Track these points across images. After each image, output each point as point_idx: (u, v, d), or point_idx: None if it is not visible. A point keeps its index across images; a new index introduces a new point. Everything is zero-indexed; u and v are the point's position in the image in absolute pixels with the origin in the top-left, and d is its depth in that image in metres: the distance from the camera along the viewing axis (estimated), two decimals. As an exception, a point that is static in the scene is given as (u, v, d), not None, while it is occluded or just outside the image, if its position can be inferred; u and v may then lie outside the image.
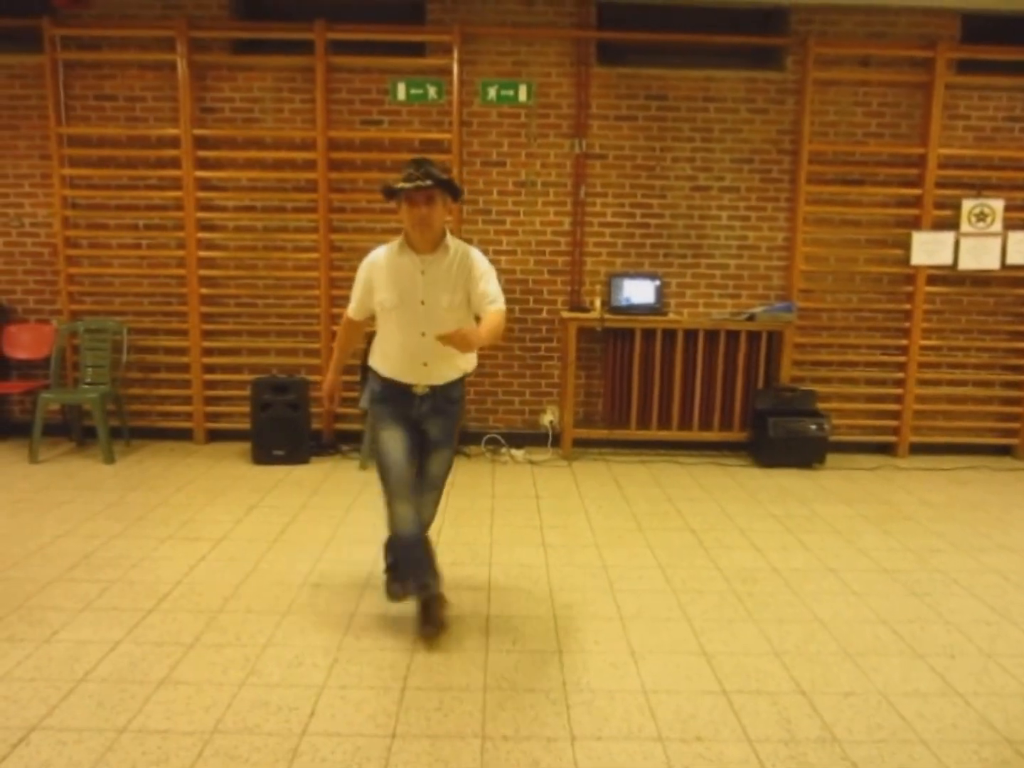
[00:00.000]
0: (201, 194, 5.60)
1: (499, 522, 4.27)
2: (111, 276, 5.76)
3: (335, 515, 4.34)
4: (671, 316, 5.69)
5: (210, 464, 5.33)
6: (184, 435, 5.86)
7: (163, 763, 2.19)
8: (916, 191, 5.66)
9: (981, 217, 5.66)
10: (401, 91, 5.57)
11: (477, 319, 2.93)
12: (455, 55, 5.44)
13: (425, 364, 2.91)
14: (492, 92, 5.58)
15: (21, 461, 5.25)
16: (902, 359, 5.85)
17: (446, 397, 3.01)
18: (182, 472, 5.13)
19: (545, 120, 5.65)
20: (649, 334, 5.59)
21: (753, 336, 5.63)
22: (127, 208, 5.68)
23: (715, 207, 5.78)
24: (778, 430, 5.45)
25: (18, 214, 5.72)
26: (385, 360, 2.99)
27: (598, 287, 5.76)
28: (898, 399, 5.90)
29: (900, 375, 5.87)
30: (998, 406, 5.97)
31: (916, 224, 5.69)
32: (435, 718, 2.43)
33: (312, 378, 5.62)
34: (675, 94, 5.65)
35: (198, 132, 5.54)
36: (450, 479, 3.17)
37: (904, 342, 5.83)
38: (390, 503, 2.92)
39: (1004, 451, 5.98)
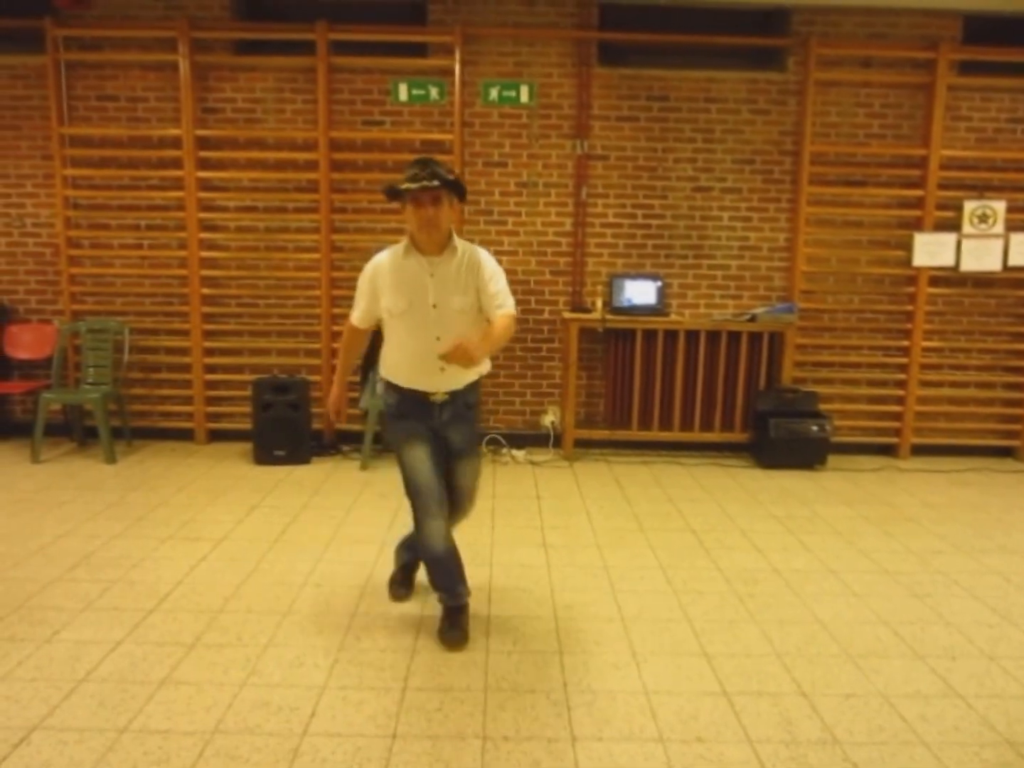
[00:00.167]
0: (203, 194, 5.61)
1: (500, 522, 4.26)
2: (113, 276, 5.76)
3: (336, 515, 4.34)
4: (672, 317, 5.69)
5: (211, 464, 5.34)
6: (185, 435, 5.86)
7: (164, 763, 2.19)
8: (918, 192, 5.65)
9: (983, 218, 5.65)
10: (403, 92, 5.57)
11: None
12: (457, 56, 5.44)
13: (443, 369, 2.77)
14: (494, 93, 5.58)
15: (23, 461, 5.26)
16: (904, 360, 5.84)
17: (465, 403, 2.92)
18: (183, 472, 5.13)
19: (547, 121, 5.65)
20: (650, 335, 5.58)
21: (754, 337, 5.62)
22: (129, 208, 5.69)
23: (716, 208, 5.78)
24: (779, 431, 5.45)
25: (20, 214, 5.72)
26: (399, 369, 2.88)
27: (599, 288, 5.76)
28: (900, 400, 5.89)
29: (902, 376, 5.86)
30: (1000, 408, 5.96)
31: (918, 225, 5.68)
32: (436, 719, 2.42)
33: (313, 378, 5.63)
34: (677, 95, 5.65)
35: (200, 132, 5.55)
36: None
37: (906, 343, 5.82)
38: (420, 521, 2.86)
39: (1006, 452, 5.98)
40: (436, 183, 2.64)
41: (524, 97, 5.59)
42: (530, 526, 4.22)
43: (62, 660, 2.72)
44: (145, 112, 5.60)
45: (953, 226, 5.68)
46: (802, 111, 5.60)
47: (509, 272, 2.97)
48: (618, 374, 5.69)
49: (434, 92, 5.56)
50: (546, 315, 5.77)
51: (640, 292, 5.68)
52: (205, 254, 5.68)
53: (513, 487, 4.95)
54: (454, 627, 2.91)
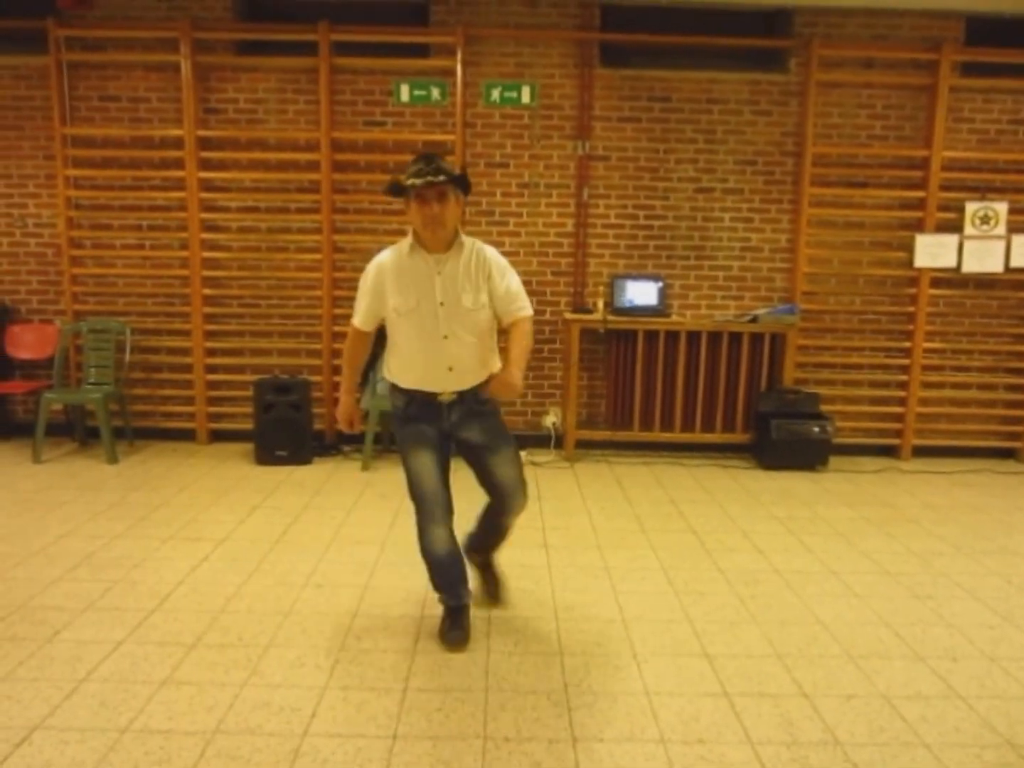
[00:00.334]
0: (204, 195, 5.61)
1: (501, 523, 4.26)
2: (115, 276, 5.77)
3: (337, 516, 4.34)
4: (674, 318, 5.69)
5: (213, 464, 5.34)
6: (187, 435, 5.87)
7: (165, 763, 2.19)
8: (920, 194, 5.65)
9: (985, 220, 5.65)
10: (404, 92, 5.58)
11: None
12: (458, 57, 5.44)
13: (450, 369, 2.73)
14: (495, 94, 5.58)
15: (24, 461, 5.26)
16: (905, 362, 5.84)
17: (476, 399, 2.82)
18: (185, 472, 5.13)
19: (548, 122, 5.65)
20: (652, 336, 5.58)
21: (756, 338, 5.62)
22: (131, 209, 5.70)
23: (718, 209, 5.78)
24: (781, 432, 5.45)
25: (22, 214, 5.73)
26: (405, 370, 2.81)
27: (601, 288, 5.76)
28: (901, 402, 5.89)
29: (903, 378, 5.86)
30: (1001, 409, 5.96)
31: (920, 227, 5.68)
32: (436, 719, 2.42)
33: (314, 379, 5.64)
34: (678, 96, 5.65)
35: (202, 133, 5.55)
36: (452, 480, 2.96)
37: (907, 345, 5.82)
38: (423, 527, 2.83)
39: (1007, 454, 5.97)
40: (441, 178, 2.57)
41: (526, 98, 5.59)
42: (531, 527, 4.22)
43: (63, 660, 2.72)
44: (147, 112, 5.61)
45: (955, 227, 5.67)
46: (804, 112, 5.60)
47: (510, 273, 2.96)
48: (619, 375, 5.69)
49: (436, 93, 5.57)
50: (547, 316, 5.78)
51: (641, 293, 5.68)
52: (207, 254, 5.68)
53: (514, 488, 4.94)
54: (455, 627, 2.91)
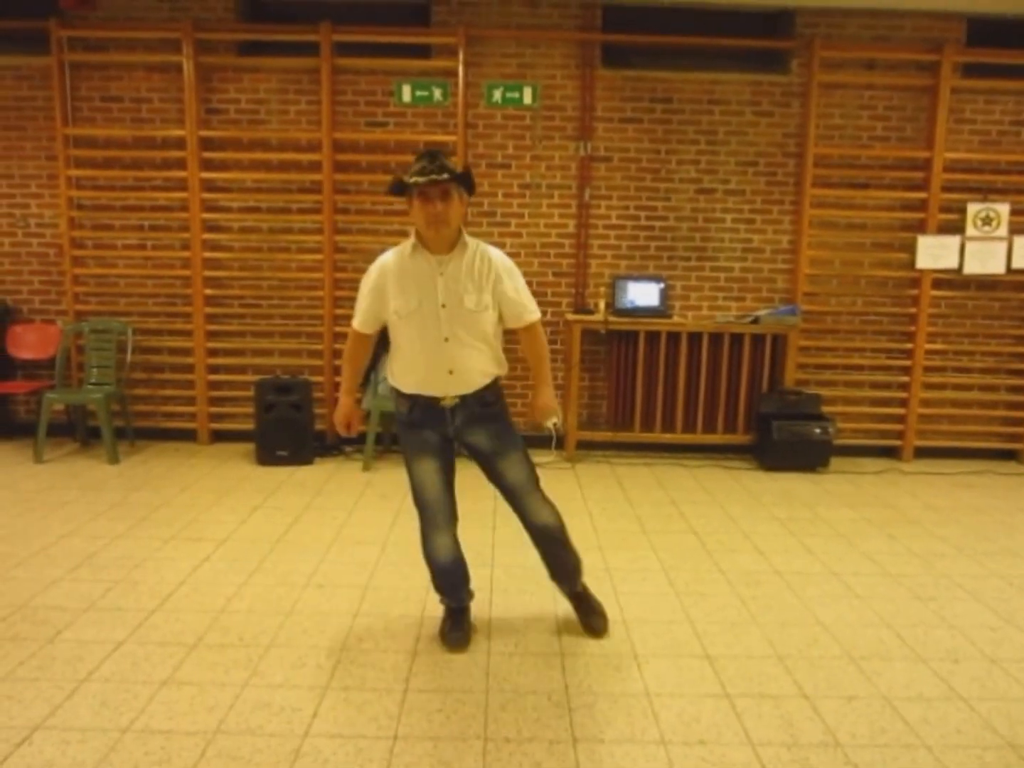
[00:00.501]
0: (206, 195, 5.62)
1: (502, 523, 4.26)
2: (116, 277, 5.78)
3: (338, 516, 4.34)
4: (675, 319, 5.68)
5: (214, 465, 5.34)
6: (188, 436, 5.87)
7: (166, 763, 2.19)
8: (921, 195, 5.65)
9: (987, 221, 5.65)
10: (406, 93, 5.58)
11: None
12: (460, 57, 5.45)
13: (450, 372, 2.67)
14: (497, 94, 5.58)
15: (26, 461, 5.27)
16: (907, 363, 5.84)
17: (479, 401, 2.75)
18: (186, 472, 5.14)
19: (550, 122, 5.65)
20: (653, 336, 5.58)
21: (757, 339, 5.62)
22: (132, 209, 5.70)
23: (720, 210, 5.77)
24: (782, 433, 5.44)
25: (24, 215, 5.74)
26: (406, 373, 2.75)
27: (602, 289, 5.76)
28: (903, 403, 5.89)
29: (905, 379, 5.85)
30: (1003, 410, 5.95)
31: (921, 228, 5.68)
32: (437, 720, 2.42)
33: (316, 379, 5.64)
34: (680, 97, 5.65)
35: (204, 133, 5.56)
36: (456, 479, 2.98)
37: (909, 346, 5.82)
38: (426, 534, 2.83)
39: (1009, 455, 5.97)
40: (445, 176, 2.51)
41: (527, 99, 5.59)
42: (532, 527, 4.21)
43: (64, 660, 2.72)
44: (149, 113, 5.62)
45: (957, 229, 5.67)
46: (806, 113, 5.60)
47: (512, 274, 2.95)
48: (621, 376, 5.68)
49: (437, 94, 5.57)
50: (549, 316, 5.77)
51: (643, 294, 5.68)
52: (208, 255, 5.69)
53: (515, 488, 4.94)
54: (456, 628, 2.91)
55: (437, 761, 2.23)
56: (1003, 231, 5.65)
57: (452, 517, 2.84)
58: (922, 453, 5.90)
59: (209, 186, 5.65)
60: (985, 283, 5.79)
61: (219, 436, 5.91)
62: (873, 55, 5.58)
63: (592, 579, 3.53)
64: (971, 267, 5.69)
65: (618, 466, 5.55)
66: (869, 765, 2.25)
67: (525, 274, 2.82)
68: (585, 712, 2.49)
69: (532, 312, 2.79)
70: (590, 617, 3.01)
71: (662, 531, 4.24)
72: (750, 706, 2.54)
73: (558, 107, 5.64)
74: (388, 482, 4.98)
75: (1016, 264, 5.68)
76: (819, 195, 5.68)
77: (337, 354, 5.51)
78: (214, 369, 5.85)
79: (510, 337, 2.85)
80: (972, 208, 5.64)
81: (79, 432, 5.74)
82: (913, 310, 5.78)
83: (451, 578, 2.93)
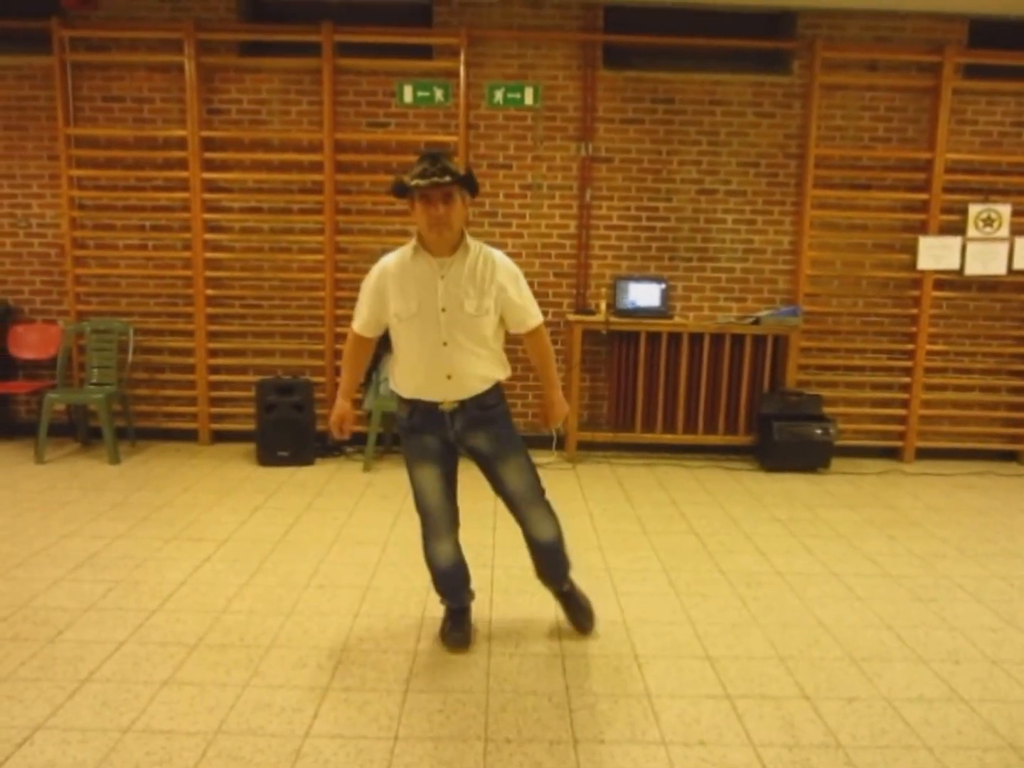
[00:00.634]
0: (208, 195, 5.62)
1: (502, 524, 4.24)
2: (117, 277, 5.78)
3: (339, 516, 4.34)
4: (676, 319, 5.68)
5: (215, 465, 5.34)
6: (189, 436, 5.87)
7: (166, 763, 2.19)
8: (923, 196, 5.64)
9: (988, 222, 5.64)
10: (408, 93, 5.58)
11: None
12: (462, 58, 5.45)
13: (449, 377, 2.63)
14: (499, 95, 5.58)
15: (27, 461, 5.27)
16: (908, 364, 5.83)
17: (479, 405, 2.70)
18: (187, 473, 5.14)
19: (551, 123, 5.66)
20: (654, 337, 5.58)
21: (759, 340, 5.62)
22: (134, 209, 5.70)
23: (721, 211, 5.77)
24: (783, 434, 5.44)
25: (26, 215, 5.74)
26: (406, 378, 2.71)
27: (603, 290, 5.76)
28: (904, 404, 5.89)
29: (906, 380, 5.85)
30: (1005, 411, 5.95)
31: (923, 229, 5.68)
32: (438, 720, 2.42)
33: (317, 379, 5.64)
34: (681, 98, 5.65)
35: (205, 134, 5.56)
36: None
37: (910, 347, 5.82)
38: (427, 540, 2.82)
39: (1010, 456, 5.96)
40: (447, 179, 2.46)
41: (529, 99, 5.59)
42: (533, 528, 4.21)
43: (65, 660, 2.72)
44: (151, 113, 5.62)
45: (958, 230, 5.67)
46: (807, 114, 5.60)
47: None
48: (622, 376, 5.68)
49: (439, 94, 5.57)
50: (550, 317, 5.77)
51: (644, 294, 5.68)
52: (210, 255, 5.69)
53: (516, 489, 4.94)
54: (456, 629, 2.91)
55: (438, 762, 2.23)
56: (1004, 232, 5.65)
57: (453, 523, 2.82)
58: (923, 454, 5.90)
59: (210, 186, 5.65)
60: (986, 284, 5.78)
61: (220, 436, 5.91)
62: (875, 56, 5.58)
63: (593, 580, 3.54)
64: (972, 268, 5.69)
65: (619, 467, 5.55)
66: (870, 766, 2.25)
67: (526, 275, 2.80)
68: (586, 713, 2.49)
69: (535, 317, 2.77)
70: (578, 615, 3.01)
71: (663, 532, 4.23)
72: (751, 707, 2.54)
73: (559, 108, 5.64)
74: (389, 483, 4.98)
75: (1017, 265, 5.68)
76: (820, 196, 5.68)
77: (339, 354, 5.50)
78: (215, 369, 5.85)
79: (511, 339, 2.82)
80: (973, 209, 5.64)
81: (80, 432, 5.74)
82: (914, 311, 5.78)
83: (452, 581, 2.93)
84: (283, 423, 5.34)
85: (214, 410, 5.88)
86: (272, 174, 5.65)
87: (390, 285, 2.64)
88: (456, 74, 5.51)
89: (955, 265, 5.69)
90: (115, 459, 5.30)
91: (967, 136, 5.68)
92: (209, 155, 5.60)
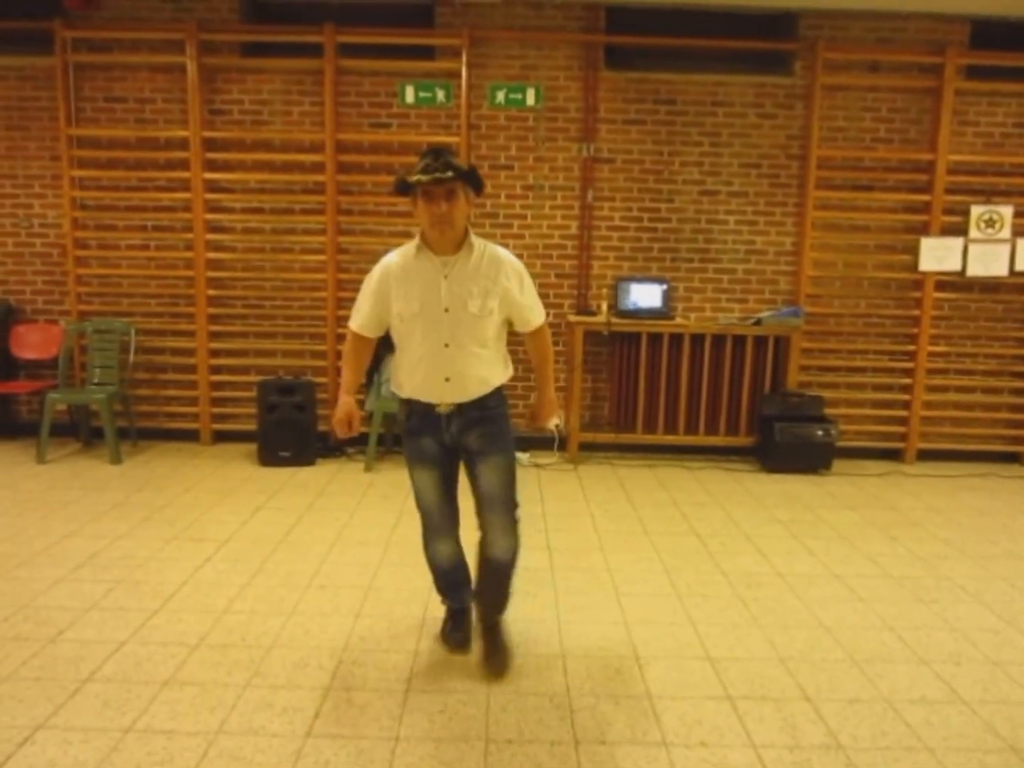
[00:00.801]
0: (209, 196, 5.63)
1: (504, 525, 4.26)
2: (119, 277, 5.78)
3: (340, 517, 4.34)
4: (678, 320, 5.68)
5: (216, 465, 5.35)
6: (191, 436, 5.88)
7: (168, 763, 2.19)
8: (925, 197, 5.64)
9: (990, 223, 5.64)
10: (410, 94, 5.58)
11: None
12: (464, 58, 5.45)
13: (447, 379, 2.57)
14: (500, 95, 5.58)
15: (28, 461, 5.27)
16: (910, 365, 5.83)
17: (478, 406, 2.63)
18: (188, 473, 5.14)
19: (553, 124, 5.66)
20: (656, 338, 5.58)
21: (760, 341, 5.62)
22: (136, 209, 5.71)
23: (723, 212, 5.77)
24: (785, 435, 5.44)
25: (28, 215, 5.75)
26: (403, 377, 2.67)
27: (605, 291, 5.76)
28: (906, 405, 5.88)
29: (908, 381, 5.85)
30: (1006, 413, 5.94)
31: (925, 230, 5.67)
32: (439, 721, 2.43)
33: (319, 380, 5.64)
34: (683, 98, 5.65)
35: (207, 134, 5.56)
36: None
37: (912, 348, 5.81)
38: (427, 539, 2.81)
39: (1012, 458, 5.95)
40: (450, 174, 2.40)
41: (531, 100, 5.60)
42: (534, 529, 4.22)
43: (67, 660, 2.73)
44: (153, 114, 5.63)
45: (960, 231, 5.67)
46: (809, 115, 5.60)
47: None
48: (623, 377, 5.68)
49: (441, 95, 5.58)
50: (551, 318, 5.75)
51: (646, 295, 5.68)
52: (211, 255, 5.69)
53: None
54: (457, 629, 2.91)
55: (439, 762, 2.23)
56: (1006, 233, 5.65)
57: (452, 523, 2.80)
58: (925, 455, 5.90)
59: (212, 187, 5.65)
60: (988, 285, 5.78)
61: (221, 437, 5.91)
62: (876, 57, 5.58)
63: (594, 580, 3.54)
64: (974, 269, 5.69)
65: (620, 467, 5.55)
66: (871, 767, 2.25)
67: (528, 275, 2.78)
68: (587, 714, 2.49)
69: (540, 316, 2.76)
70: (497, 655, 2.76)
71: (664, 533, 4.23)
72: (752, 708, 2.54)
73: (561, 109, 5.64)
74: (390, 483, 4.98)
75: (1019, 266, 5.67)
76: (822, 197, 5.67)
77: (340, 355, 5.49)
78: (217, 370, 5.85)
79: (514, 341, 2.81)
80: (975, 210, 5.64)
81: (82, 432, 5.74)
82: (916, 312, 5.78)
83: (452, 580, 2.93)
84: (285, 423, 5.34)
85: (215, 410, 5.88)
86: (274, 175, 5.66)
87: (393, 285, 2.58)
88: (458, 75, 5.51)
89: (957, 266, 5.69)
90: (116, 459, 5.30)
91: (969, 137, 5.68)
92: (211, 156, 5.60)
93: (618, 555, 3.88)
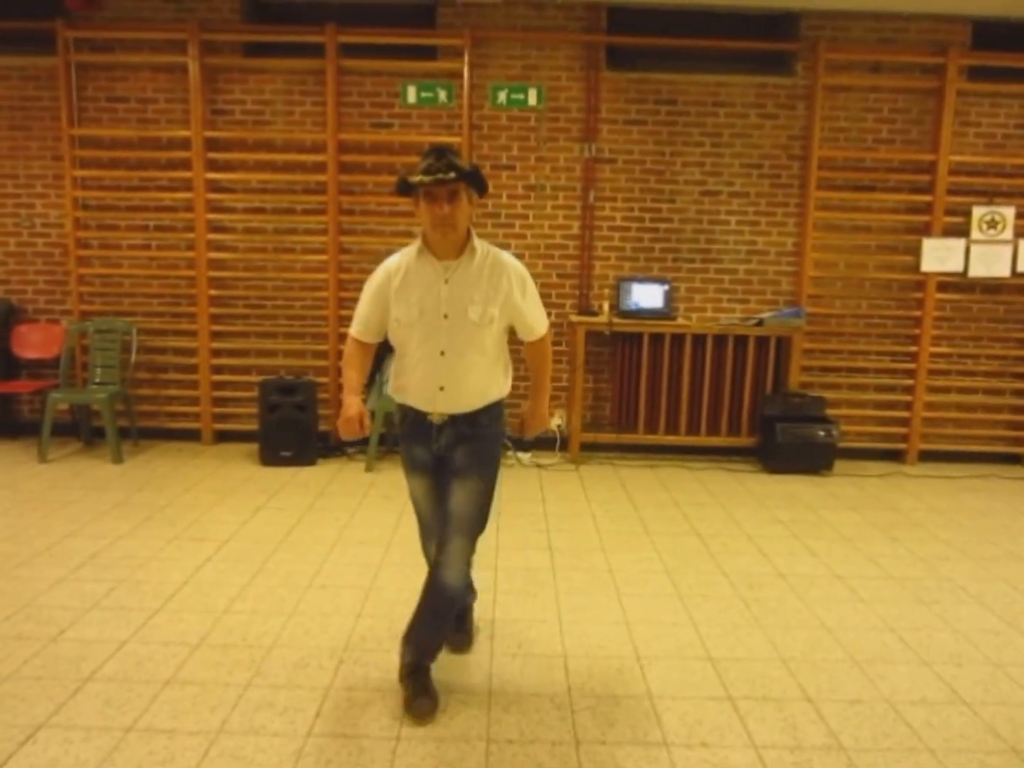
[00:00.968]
0: (211, 196, 5.63)
1: (505, 525, 4.26)
2: (121, 277, 5.79)
3: (341, 517, 4.34)
4: (679, 321, 5.68)
5: (217, 465, 5.35)
6: (192, 436, 5.88)
7: (169, 762, 2.19)
8: (926, 198, 5.64)
9: (992, 224, 5.64)
10: (411, 94, 5.59)
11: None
12: (466, 59, 5.45)
13: (441, 388, 2.48)
14: (502, 96, 5.59)
15: (30, 460, 5.28)
16: (911, 366, 5.83)
17: (471, 423, 2.54)
18: (189, 473, 5.14)
19: (555, 124, 5.66)
20: (657, 338, 5.58)
21: (762, 341, 5.61)
22: (137, 209, 5.71)
23: (724, 212, 5.77)
24: (786, 436, 5.44)
25: (30, 214, 5.75)
26: (398, 381, 2.60)
27: (607, 291, 5.76)
28: (907, 406, 5.88)
29: (909, 382, 5.84)
30: (1008, 414, 5.93)
31: (926, 231, 5.67)
32: (440, 720, 2.43)
33: (320, 380, 5.64)
34: (685, 99, 5.65)
35: (209, 134, 5.57)
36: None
37: (914, 349, 5.81)
38: (423, 542, 2.78)
39: (1013, 459, 5.95)
40: (452, 175, 2.32)
41: (532, 100, 5.60)
42: (535, 529, 4.22)
43: (68, 659, 2.73)
44: (155, 114, 5.63)
45: (962, 232, 5.66)
46: (811, 115, 5.60)
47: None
48: (625, 377, 5.68)
49: (443, 95, 5.58)
50: (553, 318, 5.74)
51: (647, 296, 5.68)
52: (213, 255, 5.70)
53: (519, 490, 4.95)
54: (458, 630, 2.89)
55: (440, 762, 2.23)
56: (1008, 234, 5.64)
57: None
58: (926, 456, 5.89)
59: (214, 187, 5.66)
60: (990, 286, 5.78)
61: (223, 436, 5.92)
62: (878, 58, 5.58)
63: (595, 580, 3.54)
64: (976, 270, 5.68)
65: (621, 468, 5.55)
66: (872, 768, 2.25)
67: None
68: (588, 714, 2.49)
69: (543, 325, 2.68)
70: (421, 696, 2.47)
71: (665, 533, 4.23)
72: (753, 709, 2.54)
73: (563, 109, 5.64)
74: (391, 483, 4.98)
75: (1021, 267, 5.67)
76: (824, 198, 5.67)
77: (342, 355, 5.50)
78: (218, 369, 5.86)
79: (512, 342, 2.72)
80: (977, 211, 5.63)
81: (83, 432, 5.75)
82: (917, 313, 5.77)
83: None
84: (286, 423, 5.34)
85: (217, 410, 5.89)
86: (276, 174, 5.66)
87: (392, 289, 2.49)
88: (460, 75, 5.51)
89: (959, 267, 5.68)
90: (118, 459, 5.30)
91: (971, 138, 5.68)
92: (213, 155, 5.61)
93: (619, 555, 3.88)
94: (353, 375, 2.62)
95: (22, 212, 5.75)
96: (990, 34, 5.57)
